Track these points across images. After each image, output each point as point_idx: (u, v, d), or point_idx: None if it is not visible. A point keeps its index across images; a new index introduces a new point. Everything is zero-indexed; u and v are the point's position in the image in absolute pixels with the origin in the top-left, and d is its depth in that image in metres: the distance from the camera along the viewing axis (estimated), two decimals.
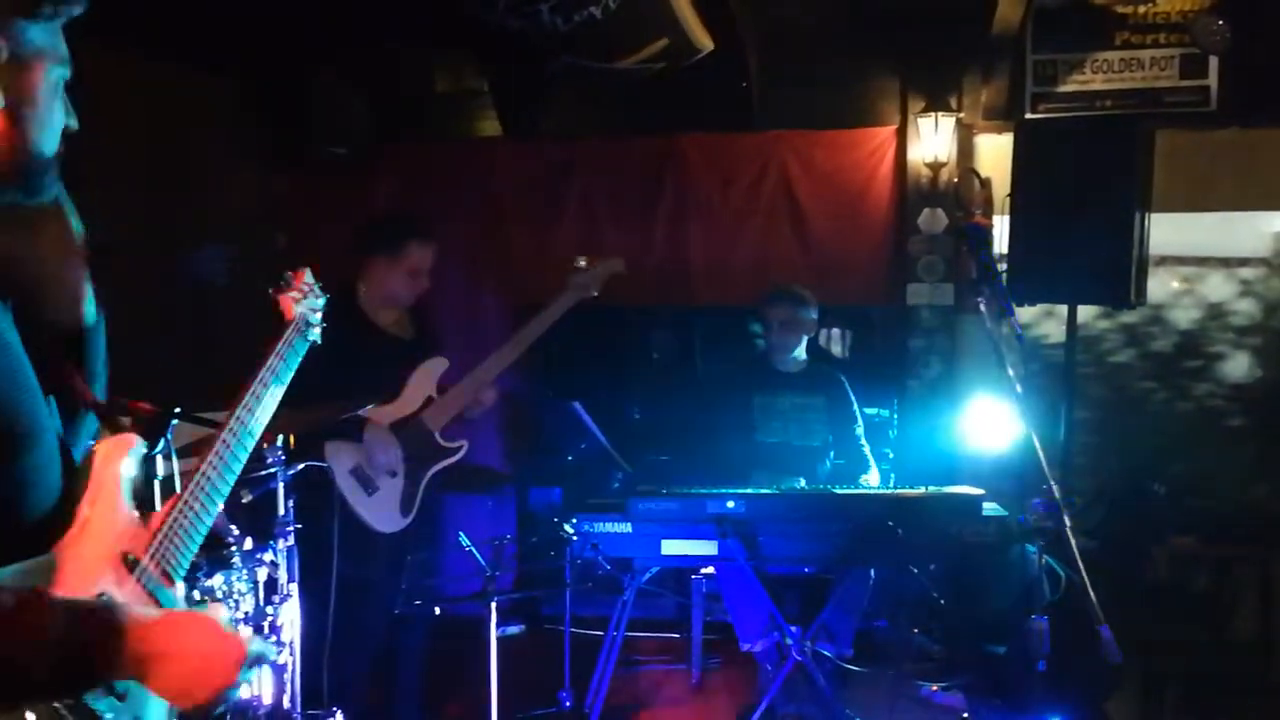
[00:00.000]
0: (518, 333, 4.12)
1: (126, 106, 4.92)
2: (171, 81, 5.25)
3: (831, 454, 4.88)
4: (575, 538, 3.88)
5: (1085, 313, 5.57)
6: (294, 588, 3.42)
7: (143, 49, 4.94)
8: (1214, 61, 5.99)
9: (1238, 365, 6.62)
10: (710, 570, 4.47)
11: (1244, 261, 6.62)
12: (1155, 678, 4.95)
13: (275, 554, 3.37)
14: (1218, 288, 6.63)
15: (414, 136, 6.44)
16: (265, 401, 1.84)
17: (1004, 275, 4.62)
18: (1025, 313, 5.54)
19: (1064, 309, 5.14)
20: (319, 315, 2.19)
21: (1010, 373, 3.26)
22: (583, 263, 4.15)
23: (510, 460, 6.32)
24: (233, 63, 5.48)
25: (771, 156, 6.19)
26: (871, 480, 4.79)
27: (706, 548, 4.00)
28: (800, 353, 4.98)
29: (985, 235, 3.82)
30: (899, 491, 4.29)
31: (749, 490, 4.10)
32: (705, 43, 5.44)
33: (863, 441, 4.91)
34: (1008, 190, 5.12)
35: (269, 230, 6.04)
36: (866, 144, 6.20)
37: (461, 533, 3.68)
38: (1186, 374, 6.59)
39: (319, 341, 2.11)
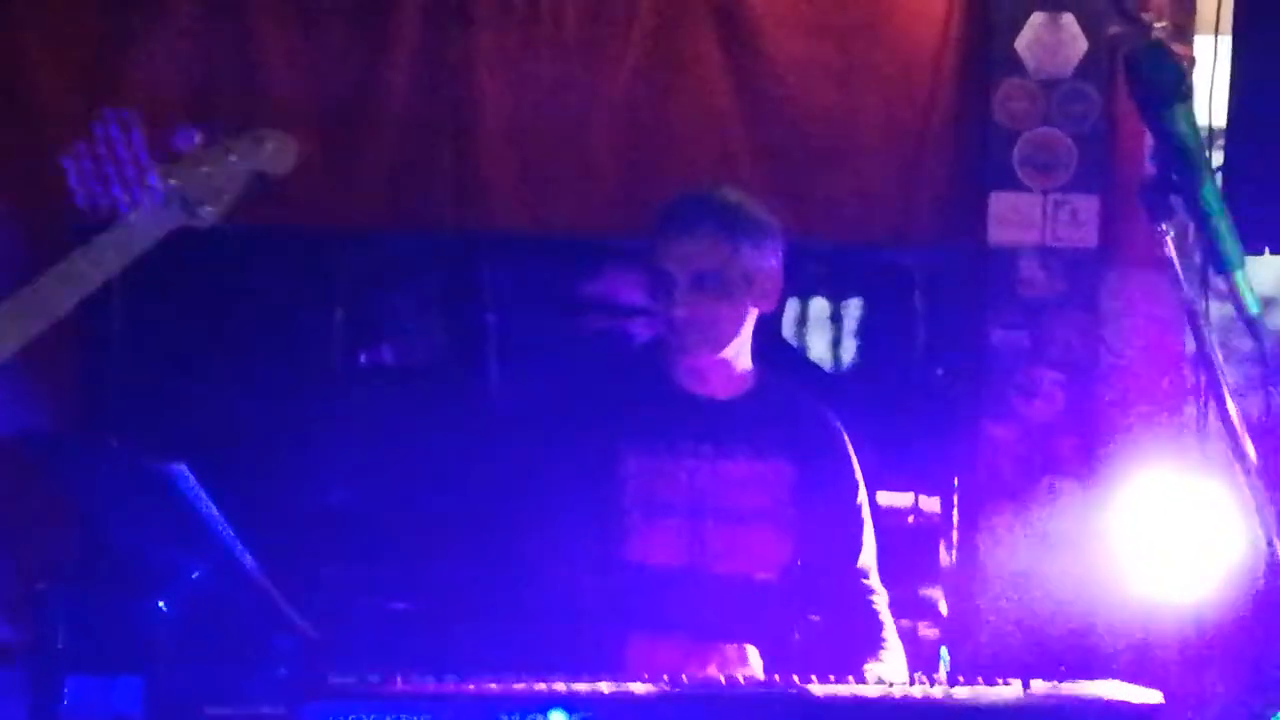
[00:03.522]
0: (28, 287, 2.84)
1: None
2: None
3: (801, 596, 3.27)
4: None
5: None
6: None
7: None
8: None
9: None
10: None
11: None
12: None
13: None
14: None
15: None
16: None
17: (1218, 180, 2.72)
18: (1267, 269, 3.67)
19: None
20: None
21: (1230, 408, 2.01)
22: (197, 137, 2.68)
23: (12, 606, 4.08)
24: None
25: None
26: (892, 664, 3.15)
27: None
28: (739, 351, 3.21)
29: (1175, 80, 1.98)
30: (963, 691, 2.78)
31: (602, 685, 2.71)
32: None
33: (870, 574, 3.30)
34: None
35: None
36: None
37: None
38: None
39: None
